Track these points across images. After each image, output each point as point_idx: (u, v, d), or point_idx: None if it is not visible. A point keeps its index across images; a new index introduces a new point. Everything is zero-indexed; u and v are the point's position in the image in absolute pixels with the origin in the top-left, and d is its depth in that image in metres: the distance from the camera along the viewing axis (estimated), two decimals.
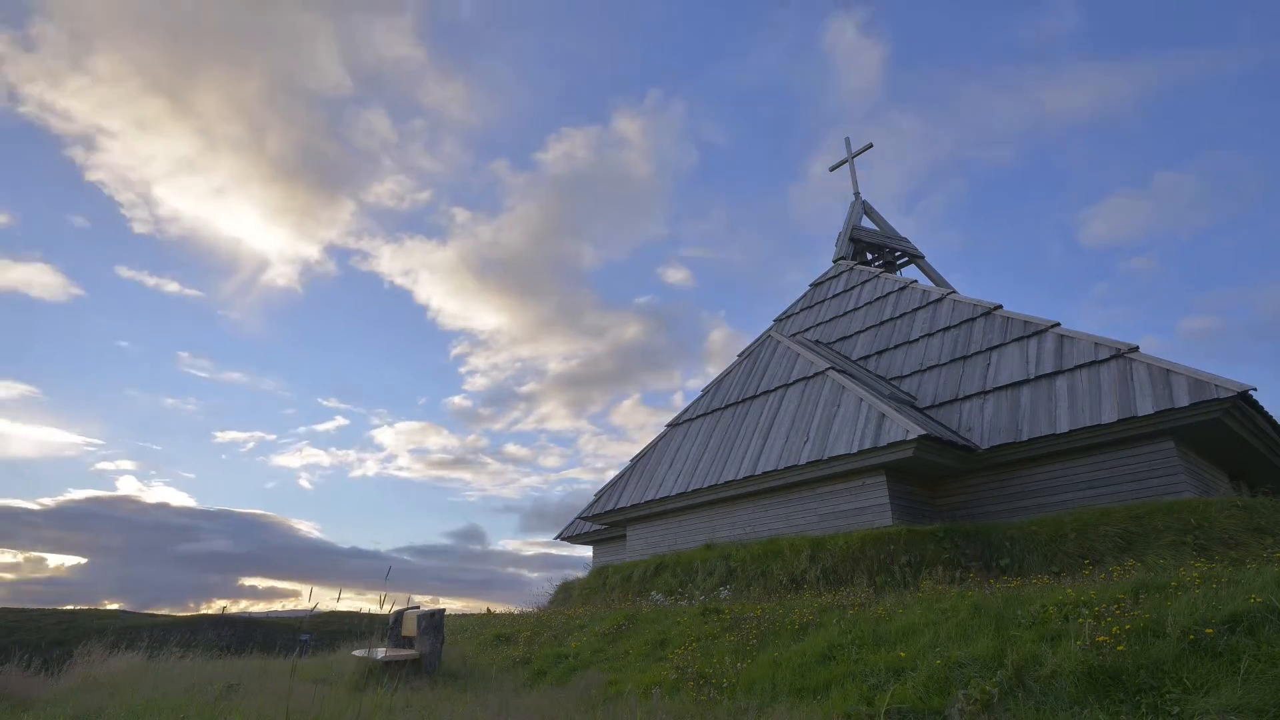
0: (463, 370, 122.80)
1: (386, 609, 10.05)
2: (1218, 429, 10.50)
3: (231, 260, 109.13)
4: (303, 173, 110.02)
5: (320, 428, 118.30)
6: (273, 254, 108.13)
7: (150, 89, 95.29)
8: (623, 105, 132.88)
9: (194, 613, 31.29)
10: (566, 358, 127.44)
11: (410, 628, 9.28)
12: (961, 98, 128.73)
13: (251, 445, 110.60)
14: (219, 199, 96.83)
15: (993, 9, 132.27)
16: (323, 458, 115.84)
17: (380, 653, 8.68)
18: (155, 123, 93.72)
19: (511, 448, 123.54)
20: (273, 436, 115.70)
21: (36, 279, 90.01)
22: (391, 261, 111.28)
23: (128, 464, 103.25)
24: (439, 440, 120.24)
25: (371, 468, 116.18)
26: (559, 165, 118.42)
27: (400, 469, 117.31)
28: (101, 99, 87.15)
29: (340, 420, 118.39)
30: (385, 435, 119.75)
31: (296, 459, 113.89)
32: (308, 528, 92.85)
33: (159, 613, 32.55)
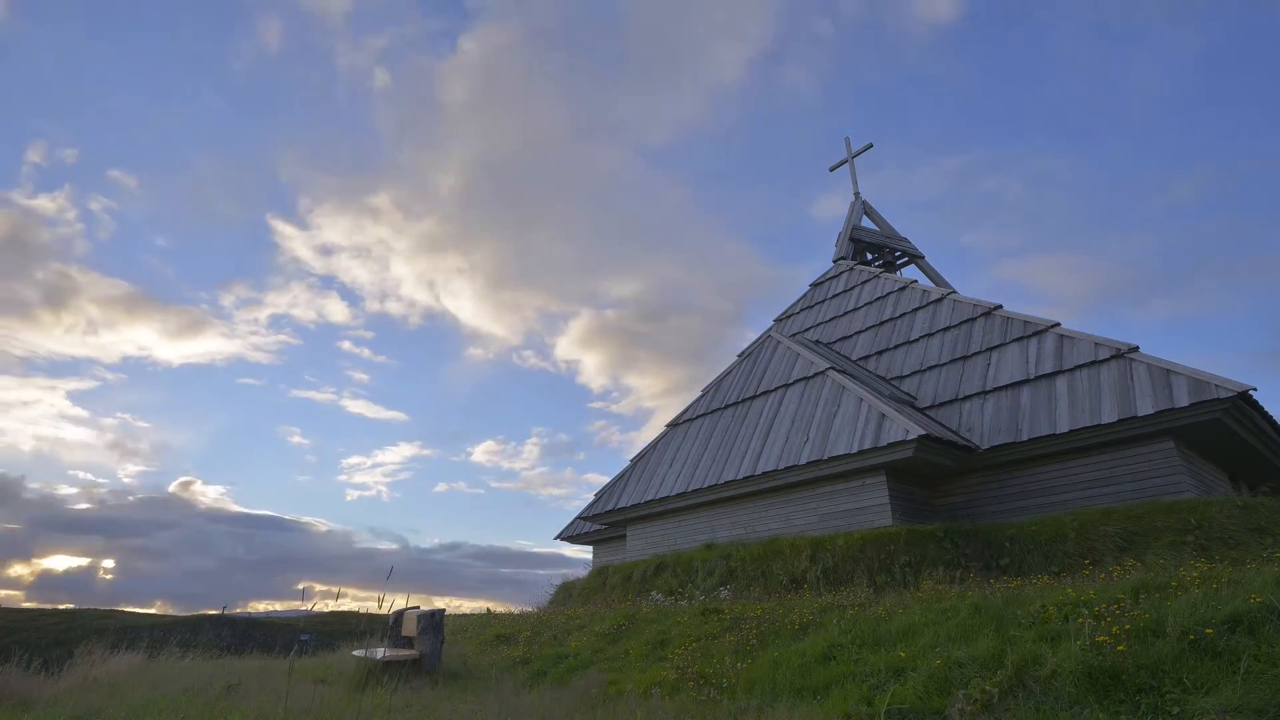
0: None
1: (386, 609, 10.05)
2: (1218, 429, 10.49)
3: None
4: None
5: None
6: None
7: None
8: None
9: (194, 613, 31.26)
10: None
11: (410, 628, 9.28)
12: None
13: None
14: None
15: None
16: None
17: (380, 653, 8.67)
18: None
19: None
20: None
21: None
22: None
23: None
24: None
25: None
26: None
27: None
28: None
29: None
30: None
31: None
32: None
33: (160, 613, 32.55)
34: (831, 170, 25.94)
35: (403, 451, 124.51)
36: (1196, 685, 4.25)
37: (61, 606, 30.28)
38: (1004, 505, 12.09)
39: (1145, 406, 10.58)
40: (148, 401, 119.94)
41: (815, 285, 21.80)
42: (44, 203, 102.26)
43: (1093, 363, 11.99)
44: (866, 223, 24.32)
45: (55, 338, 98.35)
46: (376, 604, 6.05)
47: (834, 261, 22.25)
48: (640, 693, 6.54)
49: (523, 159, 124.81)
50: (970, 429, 12.82)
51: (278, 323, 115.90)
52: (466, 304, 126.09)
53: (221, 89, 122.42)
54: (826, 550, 10.99)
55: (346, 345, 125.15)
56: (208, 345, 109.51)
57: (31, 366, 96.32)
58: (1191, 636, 4.66)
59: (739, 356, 19.01)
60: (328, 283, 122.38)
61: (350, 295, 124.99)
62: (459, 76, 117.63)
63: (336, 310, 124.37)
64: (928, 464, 11.89)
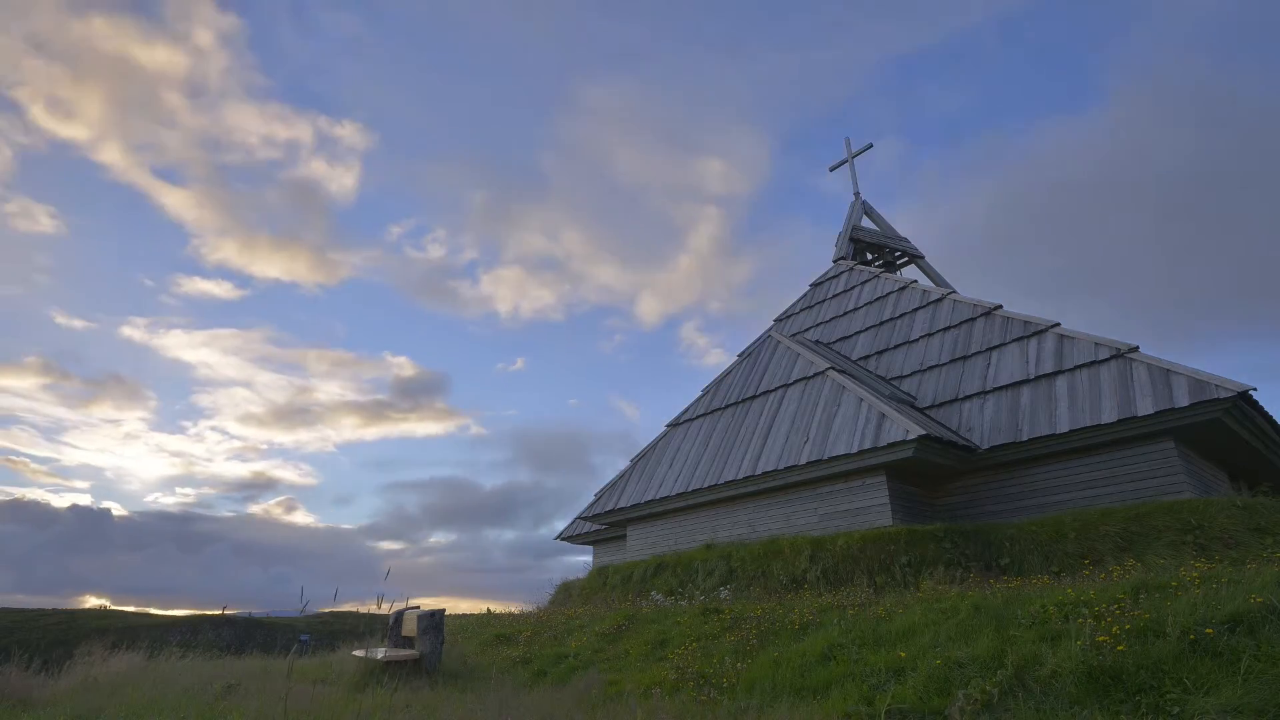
0: None
1: (386, 609, 10.05)
2: (1218, 429, 10.49)
3: None
4: None
5: None
6: None
7: None
8: None
9: (193, 613, 31.26)
10: None
11: (410, 628, 9.28)
12: None
13: None
14: None
15: None
16: None
17: (380, 653, 8.67)
18: None
19: None
20: None
21: None
22: None
23: None
24: None
25: None
26: None
27: None
28: None
29: None
30: None
31: None
32: None
33: (160, 613, 32.53)
34: (831, 170, 25.96)
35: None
36: (1197, 685, 4.25)
37: (61, 607, 30.28)
38: (1004, 505, 12.09)
39: (1145, 406, 10.58)
40: None
41: (815, 285, 21.80)
42: None
43: (1093, 363, 11.99)
44: (866, 223, 24.33)
45: None
46: (376, 604, 6.05)
47: (834, 261, 22.25)
48: (640, 693, 6.54)
49: None
50: (970, 429, 12.82)
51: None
52: None
53: None
54: (826, 550, 10.99)
55: None
56: None
57: None
58: (1192, 636, 4.66)
59: (739, 356, 19.02)
60: None
61: None
62: None
63: None
64: (928, 464, 11.89)
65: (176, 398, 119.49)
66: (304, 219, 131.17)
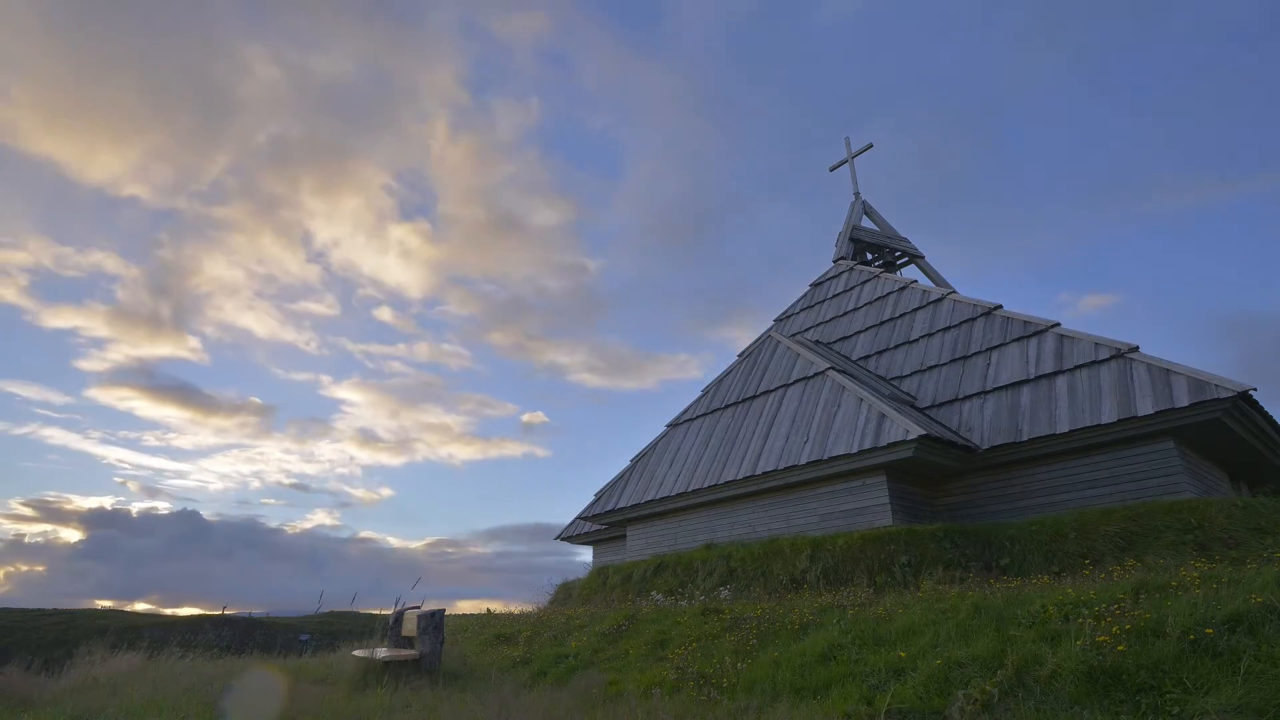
0: None
1: (386, 609, 10.04)
2: (1218, 429, 10.49)
3: None
4: None
5: None
6: None
7: None
8: None
9: (194, 613, 31.25)
10: None
11: (410, 628, 9.28)
12: None
13: None
14: None
15: None
16: None
17: (380, 653, 8.67)
18: None
19: None
20: None
21: None
22: None
23: None
24: None
25: None
26: None
27: None
28: None
29: None
30: None
31: None
32: None
33: (160, 613, 32.52)
34: (831, 170, 25.96)
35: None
36: (1197, 685, 4.25)
37: (61, 607, 30.27)
38: (1004, 505, 12.09)
39: (1145, 406, 10.58)
40: None
41: (815, 285, 21.80)
42: None
43: (1093, 363, 11.99)
44: (866, 222, 24.33)
45: None
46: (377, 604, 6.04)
47: (834, 261, 22.25)
48: (640, 693, 6.54)
49: None
50: (970, 429, 12.82)
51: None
52: None
53: None
54: (826, 550, 10.99)
55: None
56: None
57: None
58: (1192, 636, 4.65)
59: (739, 356, 19.01)
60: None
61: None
62: None
63: None
64: (928, 464, 11.89)
65: (301, 413, 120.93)
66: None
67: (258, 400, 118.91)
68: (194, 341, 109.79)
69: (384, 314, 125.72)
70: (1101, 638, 4.88)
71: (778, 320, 21.94)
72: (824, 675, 6.14)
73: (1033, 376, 12.69)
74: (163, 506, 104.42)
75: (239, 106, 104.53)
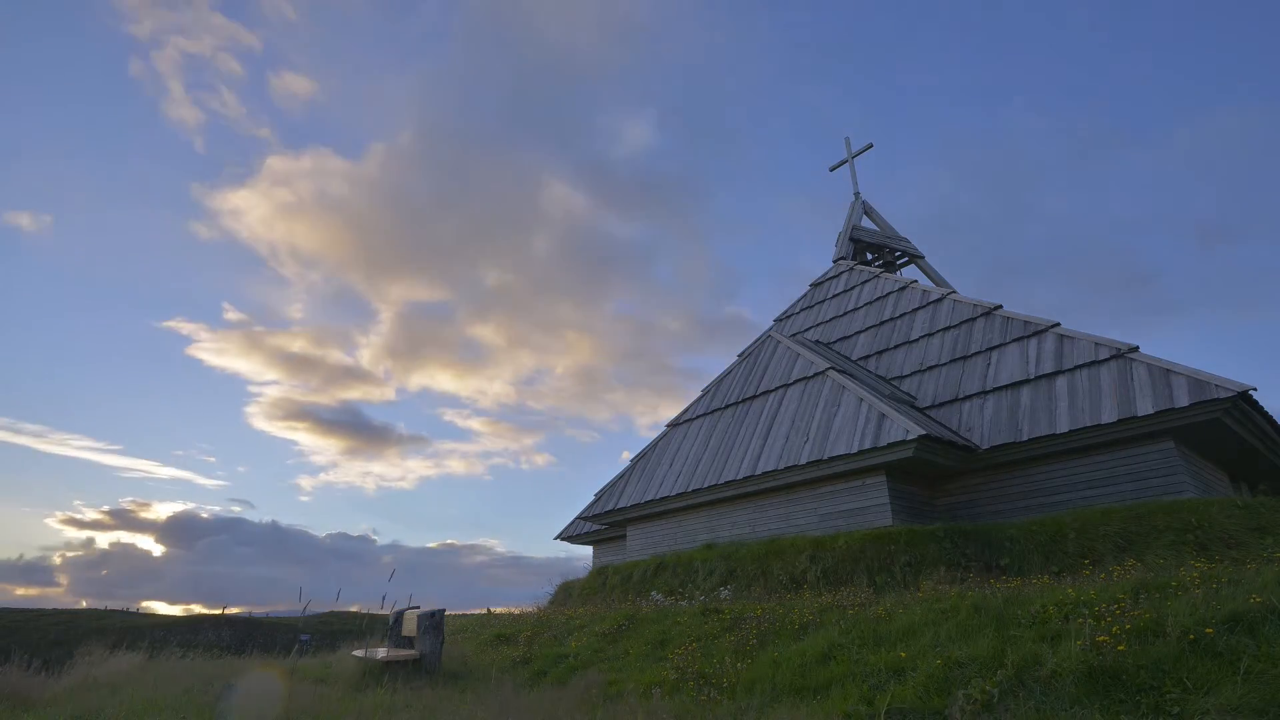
0: None
1: (386, 609, 10.06)
2: (1218, 429, 10.49)
3: None
4: None
5: None
6: None
7: None
8: None
9: (193, 613, 31.24)
10: None
11: (410, 628, 9.27)
12: None
13: None
14: None
15: None
16: None
17: (380, 653, 8.67)
18: None
19: None
20: None
21: None
22: None
23: None
24: None
25: None
26: None
27: None
28: None
29: None
30: None
31: None
32: None
33: (160, 613, 32.50)
34: (831, 170, 25.96)
35: None
36: (1197, 685, 4.25)
37: (62, 606, 30.26)
38: (1004, 505, 12.08)
39: (1145, 406, 10.57)
40: None
41: (815, 285, 21.80)
42: None
43: (1093, 363, 11.99)
44: (866, 223, 24.33)
45: None
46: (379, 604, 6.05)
47: (834, 261, 22.25)
48: (640, 693, 6.54)
49: None
50: (970, 429, 12.82)
51: None
52: None
53: None
54: (826, 550, 10.98)
55: None
56: None
57: None
58: (1192, 636, 4.65)
59: (739, 356, 19.01)
60: None
61: None
62: None
63: None
64: (928, 464, 11.88)
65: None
66: None
67: None
68: None
69: None
70: (1101, 638, 4.88)
71: (777, 320, 21.94)
72: (824, 675, 6.13)
73: (1033, 376, 12.68)
74: None
75: None
